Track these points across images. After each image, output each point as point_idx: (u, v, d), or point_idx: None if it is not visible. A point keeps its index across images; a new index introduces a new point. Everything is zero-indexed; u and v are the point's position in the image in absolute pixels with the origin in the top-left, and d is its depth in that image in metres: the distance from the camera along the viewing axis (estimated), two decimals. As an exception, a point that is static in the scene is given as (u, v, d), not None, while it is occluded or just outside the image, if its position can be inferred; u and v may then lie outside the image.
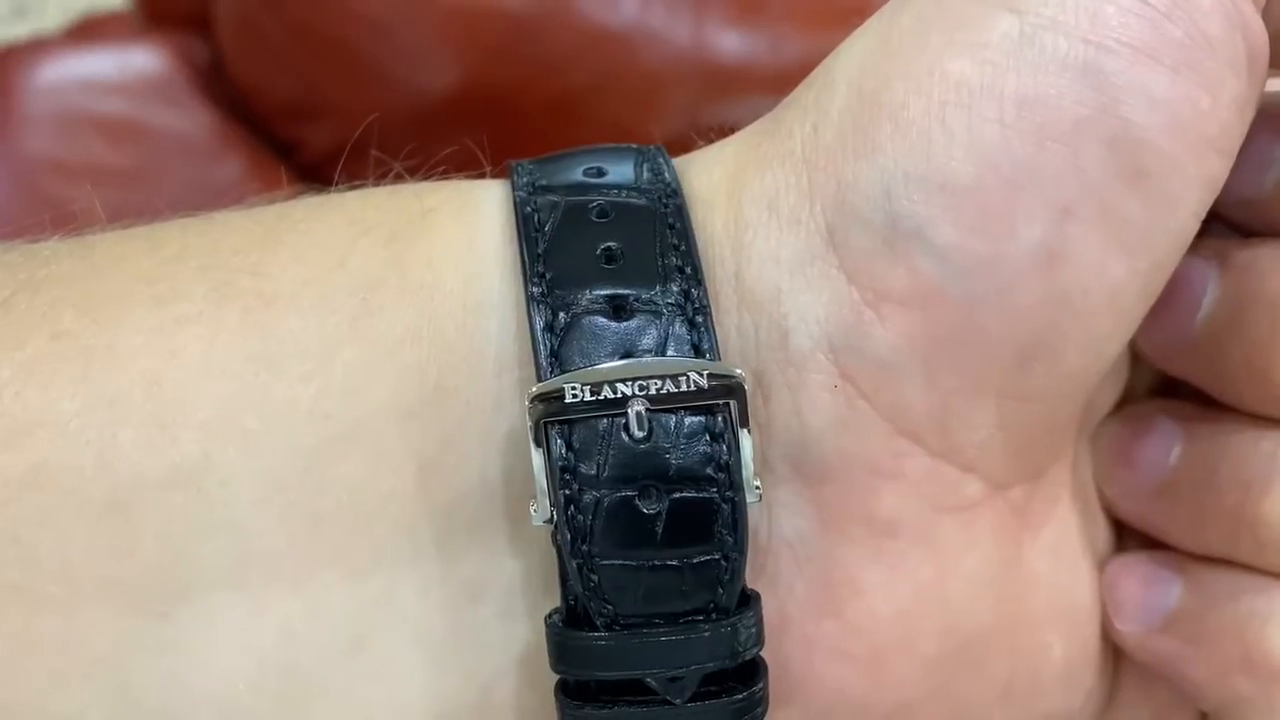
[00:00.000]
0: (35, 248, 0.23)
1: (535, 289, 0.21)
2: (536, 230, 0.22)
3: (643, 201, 0.22)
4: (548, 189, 0.22)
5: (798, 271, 0.21)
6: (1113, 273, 0.21)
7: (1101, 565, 0.25)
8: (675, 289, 0.21)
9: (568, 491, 0.20)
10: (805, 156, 0.22)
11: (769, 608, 0.21)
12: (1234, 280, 0.23)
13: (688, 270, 0.21)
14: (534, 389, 0.20)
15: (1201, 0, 0.21)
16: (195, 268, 0.22)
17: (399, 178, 0.25)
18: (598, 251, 0.21)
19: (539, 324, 0.21)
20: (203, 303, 0.21)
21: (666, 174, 0.23)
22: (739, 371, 0.21)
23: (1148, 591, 0.24)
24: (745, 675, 0.21)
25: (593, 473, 0.20)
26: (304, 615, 0.21)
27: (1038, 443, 0.23)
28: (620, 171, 0.23)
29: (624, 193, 0.22)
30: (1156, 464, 0.24)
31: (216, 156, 0.86)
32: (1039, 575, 0.23)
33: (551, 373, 0.20)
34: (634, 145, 0.24)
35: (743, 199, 0.22)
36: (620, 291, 0.21)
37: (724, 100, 0.83)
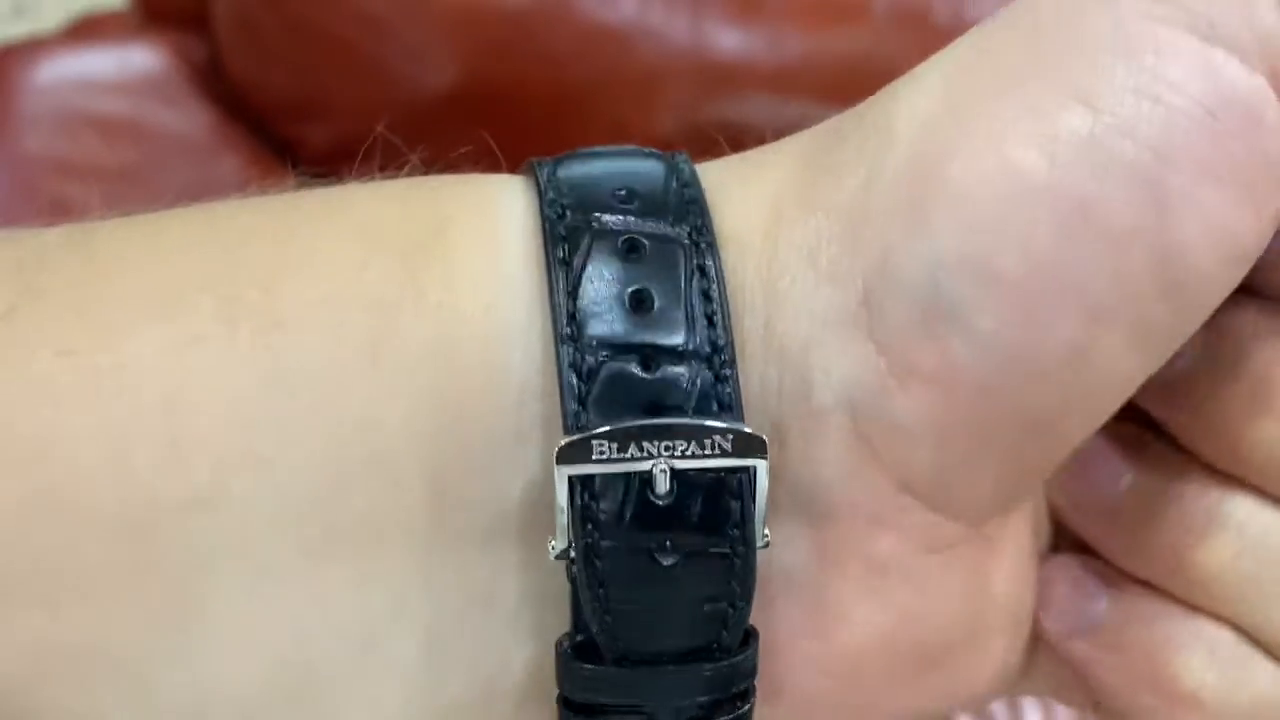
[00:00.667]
0: (33, 243, 0.22)
1: (565, 329, 0.21)
2: (565, 263, 0.21)
3: (673, 238, 0.21)
4: (575, 211, 0.22)
5: (829, 329, 0.21)
6: (1130, 365, 0.21)
7: (1043, 561, 0.25)
8: (704, 339, 0.21)
9: (589, 540, 0.21)
10: (853, 212, 0.21)
11: (760, 628, 0.22)
12: (1216, 340, 0.24)
13: (716, 320, 0.21)
14: (563, 441, 0.20)
15: (1267, 117, 0.20)
16: (201, 278, 0.21)
17: (410, 168, 0.25)
18: (627, 295, 0.21)
19: (568, 369, 0.21)
20: (211, 321, 0.21)
21: (698, 206, 0.22)
22: (763, 436, 0.21)
23: (1077, 597, 0.25)
24: (737, 695, 0.22)
25: (615, 526, 0.21)
26: (318, 621, 0.21)
27: (1021, 491, 0.24)
28: (650, 195, 0.22)
29: (654, 224, 0.22)
30: (1108, 487, 0.25)
31: (215, 155, 0.86)
32: (999, 593, 0.24)
33: (579, 423, 0.21)
34: (663, 158, 0.23)
35: (780, 243, 0.22)
36: (649, 341, 0.21)
37: (723, 97, 0.83)
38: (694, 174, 0.22)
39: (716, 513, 0.21)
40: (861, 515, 0.22)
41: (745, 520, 0.21)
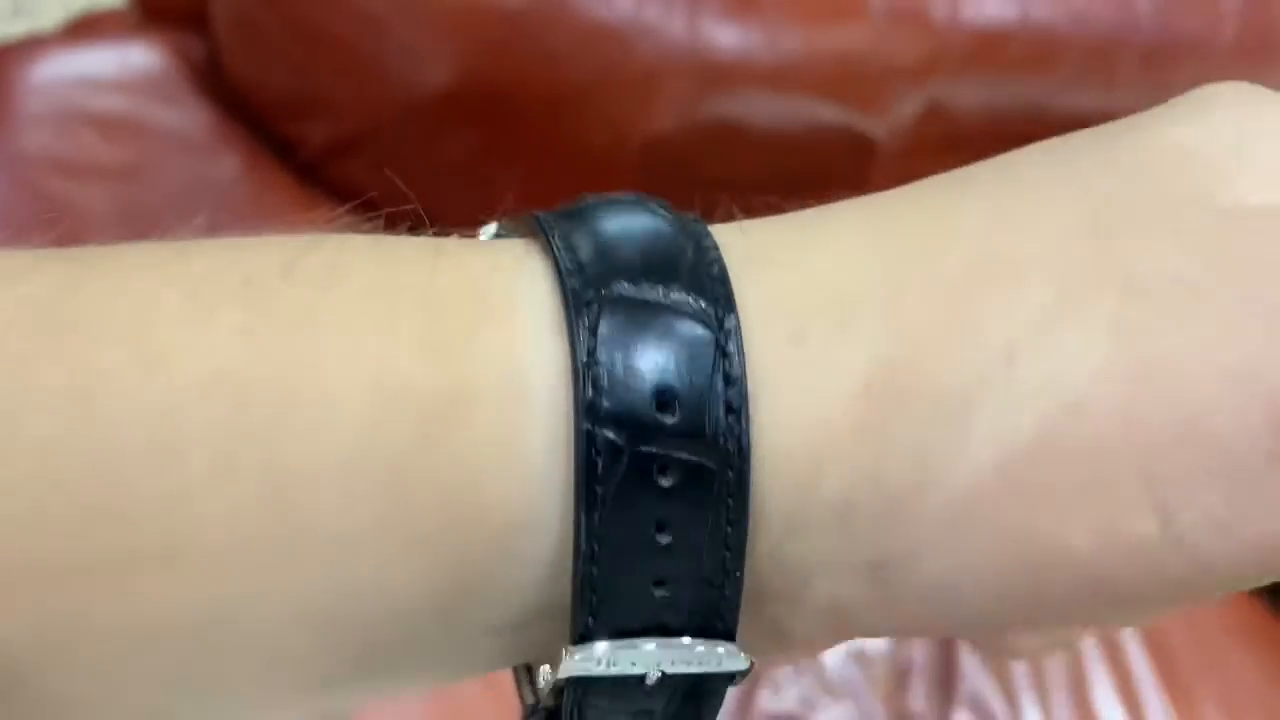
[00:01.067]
0: (17, 307, 0.21)
1: (586, 549, 0.21)
2: (596, 480, 0.20)
3: (710, 465, 0.21)
4: (612, 406, 0.20)
5: (835, 570, 0.22)
6: None
7: None
8: (716, 569, 0.21)
9: (577, 704, 0.22)
10: (899, 508, 0.21)
11: None
12: None
13: (731, 551, 0.21)
14: (572, 657, 0.21)
15: None
16: (199, 418, 0.20)
17: (414, 223, 0.24)
18: (652, 527, 0.21)
19: (586, 587, 0.21)
20: (211, 474, 0.20)
21: (741, 427, 0.21)
22: (747, 665, 0.22)
23: None
24: None
25: (603, 700, 0.22)
26: (331, 700, 0.23)
27: None
28: (693, 408, 0.20)
29: (693, 442, 0.21)
30: None
31: (214, 153, 0.86)
32: None
33: (586, 632, 0.21)
34: (711, 328, 0.21)
35: (816, 491, 0.21)
36: (665, 573, 0.21)
37: (721, 94, 0.83)
38: (743, 367, 0.21)
39: (696, 699, 0.22)
40: (812, 648, 0.24)
41: (715, 709, 0.22)
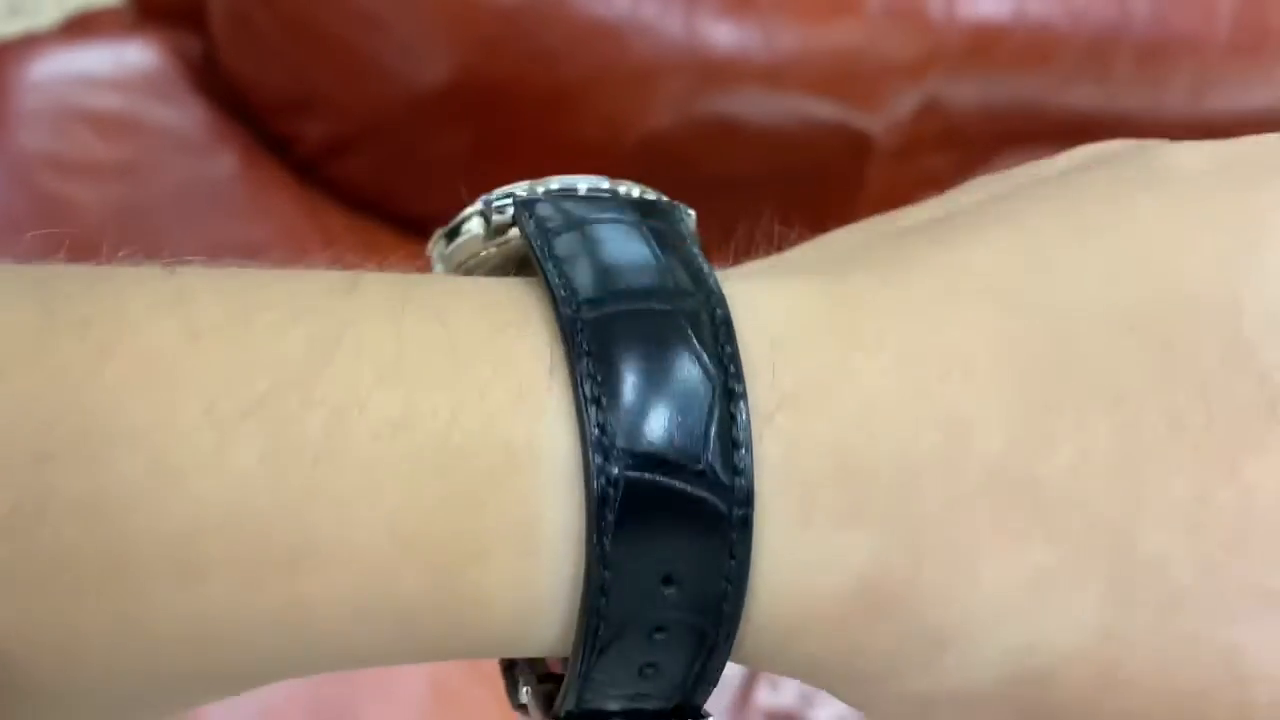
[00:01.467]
0: (48, 400, 0.21)
1: (579, 679, 0.22)
2: (597, 637, 0.22)
3: (702, 626, 0.22)
4: (620, 591, 0.22)
5: (815, 672, 0.23)
6: None
7: None
8: (693, 687, 0.23)
9: None
10: (860, 680, 0.23)
11: None
12: None
13: (707, 671, 0.23)
14: None
15: None
16: (221, 545, 0.21)
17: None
18: (640, 666, 0.22)
19: (569, 690, 0.23)
20: (232, 597, 0.21)
21: (738, 596, 0.22)
22: None
23: None
24: None
25: None
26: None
27: None
28: (697, 586, 0.22)
29: (688, 613, 0.22)
30: None
31: (211, 151, 0.86)
32: None
33: (571, 707, 0.23)
34: (725, 515, 0.22)
35: (793, 648, 0.23)
36: (647, 690, 0.23)
37: (717, 92, 0.83)
38: (749, 549, 0.22)
39: None
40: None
41: None
